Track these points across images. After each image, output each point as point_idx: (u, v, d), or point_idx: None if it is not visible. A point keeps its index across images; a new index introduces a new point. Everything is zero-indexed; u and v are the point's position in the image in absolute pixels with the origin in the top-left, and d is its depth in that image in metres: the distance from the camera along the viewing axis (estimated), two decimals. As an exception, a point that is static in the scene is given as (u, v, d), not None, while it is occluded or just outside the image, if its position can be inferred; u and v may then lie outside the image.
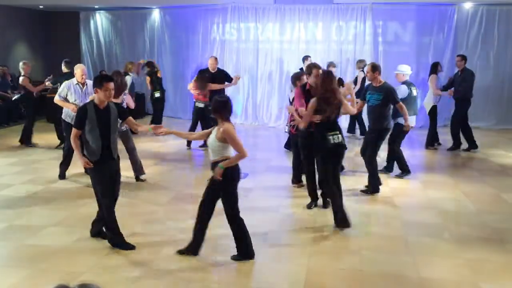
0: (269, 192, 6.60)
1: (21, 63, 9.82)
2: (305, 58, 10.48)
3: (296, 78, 6.81)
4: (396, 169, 7.53)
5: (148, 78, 11.01)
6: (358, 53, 12.13)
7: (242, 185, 7.07)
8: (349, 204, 6.18)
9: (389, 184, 7.14)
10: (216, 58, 9.86)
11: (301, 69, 9.29)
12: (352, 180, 7.16)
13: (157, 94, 10.90)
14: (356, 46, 12.24)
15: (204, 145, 8.97)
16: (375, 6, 12.04)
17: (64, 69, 8.98)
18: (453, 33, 12.06)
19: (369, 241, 5.00)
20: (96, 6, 14.11)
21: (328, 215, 5.65)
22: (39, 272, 4.26)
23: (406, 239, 5.05)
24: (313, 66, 6.12)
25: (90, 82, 6.87)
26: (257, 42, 12.81)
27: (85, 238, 4.97)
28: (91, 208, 5.87)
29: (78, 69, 7.14)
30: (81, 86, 7.01)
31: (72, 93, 6.99)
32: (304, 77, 6.53)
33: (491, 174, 7.80)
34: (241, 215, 4.50)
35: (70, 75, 7.98)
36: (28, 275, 4.20)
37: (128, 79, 9.52)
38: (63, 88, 7.07)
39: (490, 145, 9.99)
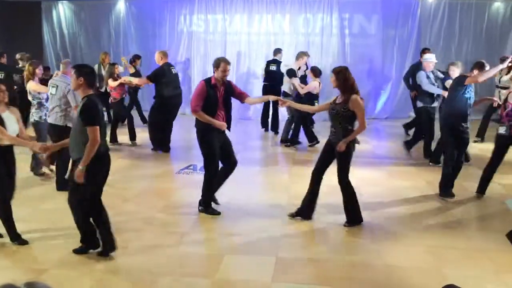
0: (240, 186, 6.59)
1: None
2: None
3: None
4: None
5: None
6: (325, 45, 12.23)
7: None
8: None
9: (355, 174, 7.23)
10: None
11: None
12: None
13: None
14: (323, 38, 12.33)
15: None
16: (341, -1, 12.16)
17: None
18: (417, 26, 12.29)
19: (336, 231, 5.07)
20: (58, -4, 13.71)
21: (295, 207, 5.69)
22: (1, 269, 4.14)
23: (372, 227, 5.14)
24: (223, 60, 5.54)
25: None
26: (225, 34, 12.73)
27: (48, 234, 4.85)
28: (53, 204, 5.74)
29: None
30: None
31: None
32: None
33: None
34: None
35: None
36: (-11, 273, 4.08)
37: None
38: None
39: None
